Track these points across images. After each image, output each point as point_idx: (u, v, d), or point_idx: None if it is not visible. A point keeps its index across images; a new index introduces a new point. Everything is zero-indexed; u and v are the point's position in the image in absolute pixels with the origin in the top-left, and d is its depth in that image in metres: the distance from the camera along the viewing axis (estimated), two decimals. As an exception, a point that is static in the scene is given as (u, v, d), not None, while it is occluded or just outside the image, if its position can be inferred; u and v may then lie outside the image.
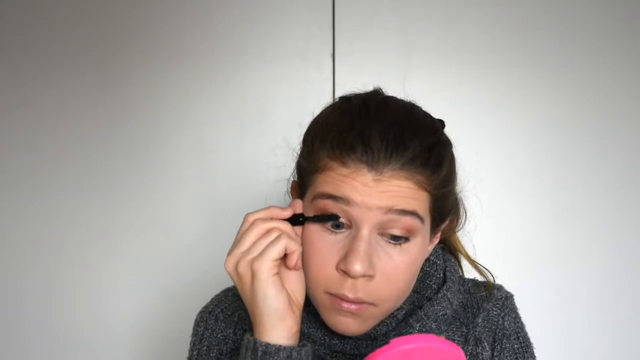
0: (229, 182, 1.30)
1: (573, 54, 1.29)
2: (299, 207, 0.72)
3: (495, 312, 0.81)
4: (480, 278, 0.87)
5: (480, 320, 0.80)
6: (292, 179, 0.81)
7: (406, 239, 0.70)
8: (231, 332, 0.83)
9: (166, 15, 1.30)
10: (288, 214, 0.71)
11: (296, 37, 1.29)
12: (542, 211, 1.29)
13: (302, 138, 0.78)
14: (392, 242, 0.70)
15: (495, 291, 0.83)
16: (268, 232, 0.69)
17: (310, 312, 0.78)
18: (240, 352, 0.70)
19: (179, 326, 1.26)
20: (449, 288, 0.79)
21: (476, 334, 0.79)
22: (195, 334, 0.84)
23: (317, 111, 0.79)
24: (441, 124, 0.76)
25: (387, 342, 0.60)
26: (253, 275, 0.68)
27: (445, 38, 1.29)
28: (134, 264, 1.30)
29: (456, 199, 0.79)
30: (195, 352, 0.82)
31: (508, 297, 0.83)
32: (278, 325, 0.68)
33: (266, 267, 0.67)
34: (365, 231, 0.68)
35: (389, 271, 0.70)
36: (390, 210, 0.67)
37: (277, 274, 0.69)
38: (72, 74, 1.29)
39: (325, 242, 0.70)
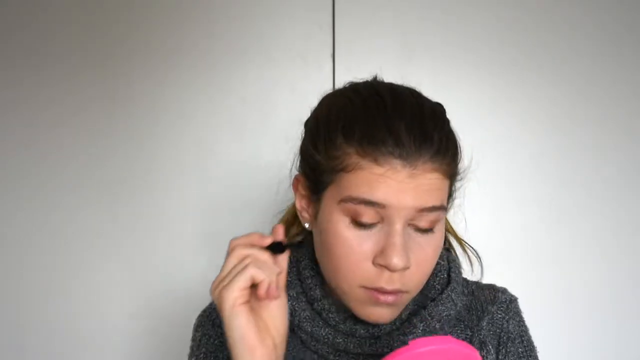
0: (229, 182, 1.30)
1: (575, 53, 1.29)
2: (280, 233, 0.71)
3: (499, 315, 0.81)
4: (470, 263, 0.87)
5: (485, 323, 0.80)
6: (295, 172, 0.80)
7: (431, 229, 0.72)
8: None
9: (166, 15, 1.30)
10: (268, 241, 0.70)
11: (296, 37, 1.29)
12: (543, 211, 1.30)
13: (309, 128, 0.77)
14: (420, 231, 0.71)
15: (500, 294, 0.83)
16: (243, 259, 0.68)
17: (314, 310, 0.78)
18: None
19: (180, 327, 1.26)
20: (453, 289, 0.80)
21: (481, 337, 0.80)
22: (193, 339, 0.84)
23: (317, 111, 0.79)
24: (443, 108, 0.77)
25: (405, 343, 0.60)
26: (220, 304, 0.67)
27: (445, 38, 1.29)
28: (133, 264, 1.30)
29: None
30: (193, 359, 0.82)
31: (512, 301, 0.83)
32: (247, 357, 0.66)
33: (232, 296, 0.66)
34: (398, 226, 0.69)
35: (420, 260, 0.71)
36: (422, 209, 0.69)
37: (247, 302, 0.67)
38: (72, 73, 1.29)
39: (358, 238, 0.70)
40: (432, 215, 0.70)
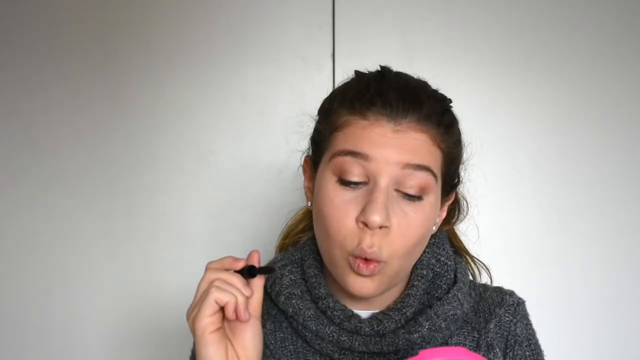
0: (228, 182, 1.30)
1: (574, 53, 1.29)
2: (255, 258, 0.71)
3: (507, 318, 0.81)
4: (479, 277, 0.87)
5: (492, 326, 0.80)
6: (305, 155, 0.82)
7: (419, 198, 0.72)
8: None
9: (166, 16, 1.30)
10: (241, 265, 0.70)
11: (296, 37, 1.29)
12: (544, 211, 1.29)
13: (318, 111, 0.80)
14: (408, 198, 0.71)
15: (508, 297, 0.83)
16: (210, 283, 0.68)
17: (318, 309, 0.78)
18: None
19: (181, 327, 1.26)
20: (459, 289, 0.80)
21: (488, 339, 0.80)
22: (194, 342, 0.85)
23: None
24: (450, 100, 0.79)
25: (412, 344, 0.61)
26: (192, 331, 0.67)
27: (446, 38, 1.29)
28: (132, 264, 1.30)
29: (459, 176, 0.81)
30: None
31: (520, 303, 0.83)
32: None
33: (201, 325, 0.66)
34: (382, 183, 0.70)
35: (402, 226, 0.71)
36: (407, 165, 0.70)
37: (219, 329, 0.67)
38: (72, 74, 1.29)
39: (343, 198, 0.71)
40: (419, 177, 0.71)
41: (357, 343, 0.76)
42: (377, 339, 0.76)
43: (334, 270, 0.75)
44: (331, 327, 0.77)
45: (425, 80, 0.79)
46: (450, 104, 0.78)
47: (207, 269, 0.69)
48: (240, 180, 1.29)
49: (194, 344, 0.83)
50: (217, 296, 0.66)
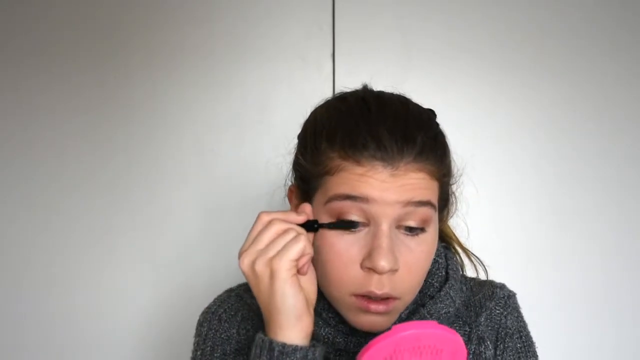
0: (229, 182, 1.30)
1: (574, 54, 1.29)
2: (309, 211, 0.72)
3: (498, 311, 0.81)
4: (475, 271, 0.87)
5: (483, 319, 0.81)
6: (288, 183, 0.81)
7: (422, 230, 0.71)
8: (234, 332, 0.83)
9: (166, 16, 1.30)
10: (302, 219, 0.71)
11: (296, 37, 1.29)
12: (542, 211, 1.30)
13: (299, 139, 0.78)
14: (409, 233, 0.71)
15: (498, 290, 0.83)
16: (285, 232, 0.69)
17: (314, 311, 0.78)
18: (253, 352, 0.69)
19: (181, 327, 1.26)
20: (451, 286, 0.80)
21: (479, 332, 0.80)
22: (198, 334, 0.85)
23: (316, 111, 0.79)
24: (433, 113, 0.78)
25: (388, 328, 0.62)
26: (272, 274, 0.68)
27: (445, 38, 1.29)
28: (133, 265, 1.30)
29: (451, 193, 0.81)
30: (199, 353, 0.83)
31: (511, 296, 0.83)
32: (296, 325, 0.68)
33: (286, 267, 0.67)
34: (385, 226, 0.69)
35: (410, 263, 0.71)
36: (408, 203, 0.69)
37: (295, 274, 0.69)
38: (72, 74, 1.29)
39: (345, 243, 0.70)
40: (420, 212, 0.70)
41: (352, 344, 0.76)
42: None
43: (339, 308, 0.75)
44: (326, 329, 0.77)
45: (405, 95, 0.77)
46: (435, 118, 0.77)
47: (271, 218, 0.70)
48: (240, 179, 1.30)
49: (199, 338, 0.84)
50: (306, 246, 0.68)
